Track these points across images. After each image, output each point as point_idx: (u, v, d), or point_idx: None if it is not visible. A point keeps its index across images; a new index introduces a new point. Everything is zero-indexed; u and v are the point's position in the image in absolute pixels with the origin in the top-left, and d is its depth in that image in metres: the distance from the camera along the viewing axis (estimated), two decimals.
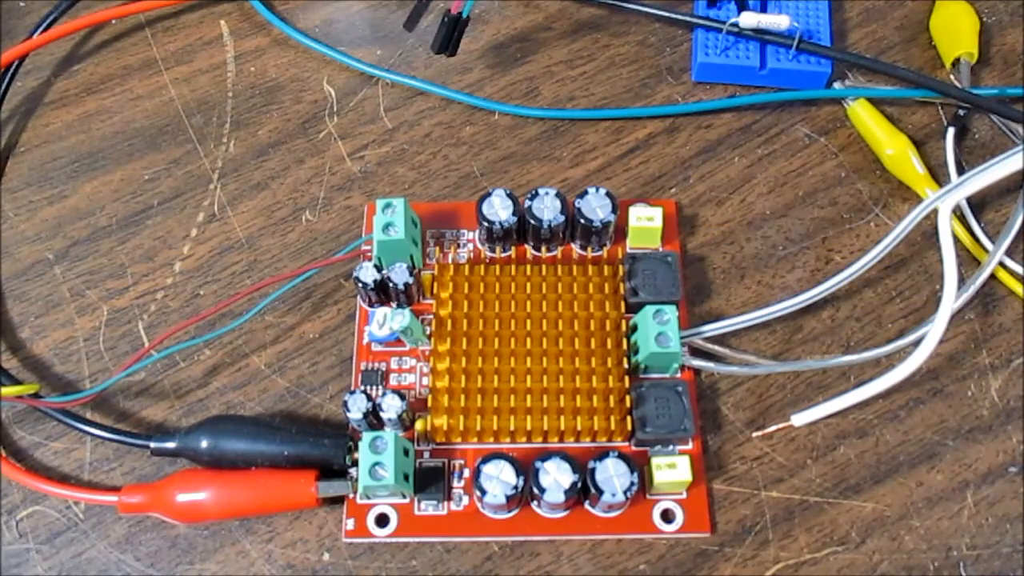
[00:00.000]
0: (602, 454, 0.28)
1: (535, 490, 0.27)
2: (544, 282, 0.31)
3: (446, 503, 0.29)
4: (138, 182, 0.35)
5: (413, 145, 0.36)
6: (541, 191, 0.31)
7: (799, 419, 0.30)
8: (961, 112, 0.35)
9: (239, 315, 0.31)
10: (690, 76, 0.37)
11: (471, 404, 0.29)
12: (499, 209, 0.31)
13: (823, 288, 0.31)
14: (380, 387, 0.31)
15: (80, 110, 0.37)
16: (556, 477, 0.27)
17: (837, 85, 0.36)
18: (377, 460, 0.27)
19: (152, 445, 0.29)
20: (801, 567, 0.28)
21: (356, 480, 0.27)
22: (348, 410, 0.28)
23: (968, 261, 0.33)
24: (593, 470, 0.27)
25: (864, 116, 0.35)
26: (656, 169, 0.35)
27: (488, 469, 0.27)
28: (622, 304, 0.31)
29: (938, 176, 0.34)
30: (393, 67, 0.38)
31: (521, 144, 0.36)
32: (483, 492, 0.27)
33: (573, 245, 0.33)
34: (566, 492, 0.27)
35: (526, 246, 0.33)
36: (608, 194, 0.31)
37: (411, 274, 0.30)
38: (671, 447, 0.29)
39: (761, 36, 0.35)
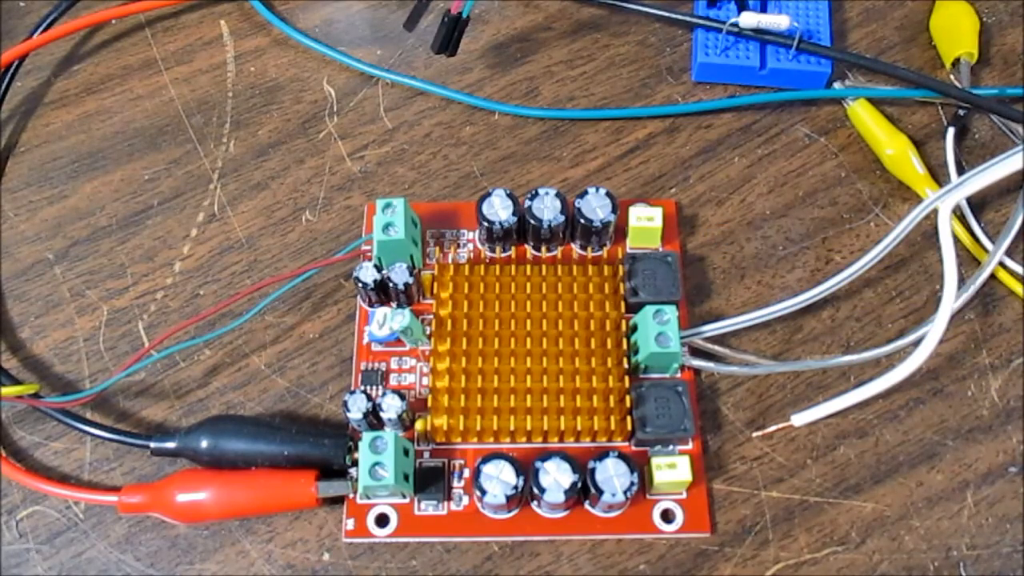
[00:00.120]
0: (602, 454, 0.28)
1: (535, 490, 0.27)
2: (544, 282, 0.31)
3: (446, 503, 0.29)
4: (138, 182, 0.35)
5: (413, 145, 0.36)
6: (541, 191, 0.31)
7: (799, 419, 0.30)
8: (961, 112, 0.35)
9: (239, 315, 0.31)
10: (690, 76, 0.37)
11: (471, 404, 0.29)
12: (499, 209, 0.31)
13: (823, 288, 0.31)
14: (380, 387, 0.31)
15: (80, 110, 0.37)
16: (556, 477, 0.27)
17: (837, 85, 0.36)
18: (377, 460, 0.27)
19: (152, 445, 0.29)
20: (801, 567, 0.28)
21: (356, 480, 0.27)
22: (348, 410, 0.28)
23: (968, 261, 0.33)
24: (593, 470, 0.27)
25: (864, 116, 0.35)
26: (656, 169, 0.35)
27: (488, 469, 0.27)
28: (622, 304, 0.31)
29: (938, 176, 0.34)
30: (393, 67, 0.38)
31: (521, 144, 0.36)
32: (483, 492, 0.27)
33: (573, 245, 0.33)
34: (566, 492, 0.27)
35: (526, 246, 0.33)
36: (608, 194, 0.31)
37: (411, 274, 0.30)
38: (671, 447, 0.29)
39: (761, 36, 0.35)
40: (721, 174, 0.35)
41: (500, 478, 0.27)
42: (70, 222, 0.35)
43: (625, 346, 0.30)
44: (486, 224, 0.31)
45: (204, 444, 0.29)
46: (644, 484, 0.29)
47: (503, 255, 0.33)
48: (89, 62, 0.38)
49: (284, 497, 0.28)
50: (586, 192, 0.31)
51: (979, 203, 0.34)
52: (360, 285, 0.30)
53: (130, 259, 0.34)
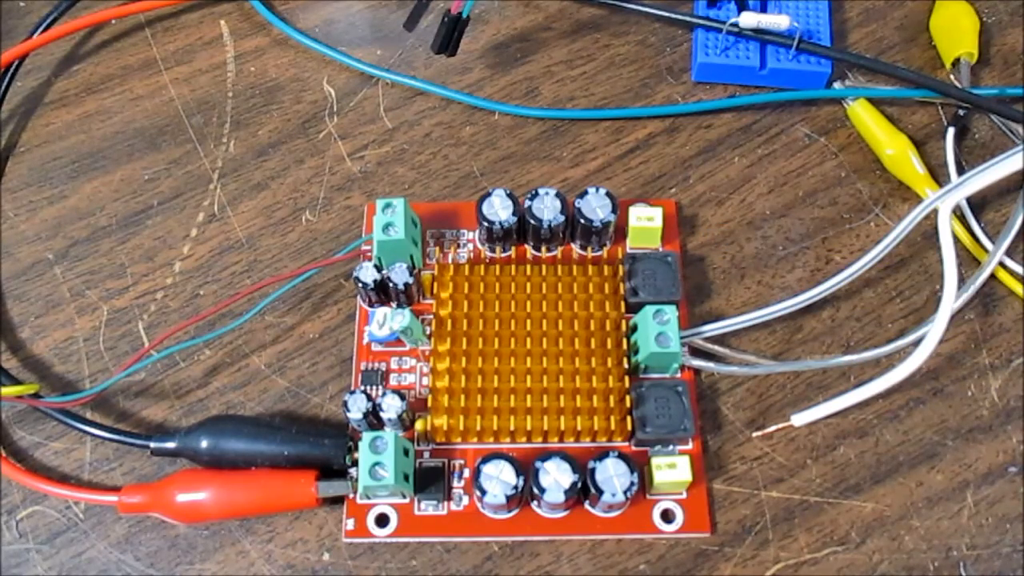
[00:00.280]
0: (602, 454, 0.28)
1: (535, 490, 0.27)
2: (544, 282, 0.31)
3: (446, 503, 0.29)
4: (138, 182, 0.35)
5: (413, 145, 0.36)
6: (541, 191, 0.31)
7: (799, 419, 0.30)
8: (961, 112, 0.35)
9: (239, 315, 0.31)
10: (690, 76, 0.37)
11: (471, 404, 0.29)
12: (499, 209, 0.31)
13: (823, 288, 0.31)
14: (380, 387, 0.31)
15: (80, 110, 0.37)
16: (556, 477, 0.27)
17: (837, 85, 0.36)
18: (377, 460, 0.27)
19: (152, 445, 0.29)
20: (801, 567, 0.28)
21: (356, 480, 0.27)
22: (348, 410, 0.28)
23: (968, 261, 0.33)
24: (593, 470, 0.27)
25: (864, 116, 0.35)
26: (656, 169, 0.35)
27: (488, 469, 0.27)
28: (622, 304, 0.31)
29: (938, 176, 0.34)
30: (393, 67, 0.38)
31: (521, 144, 0.36)
32: (483, 492, 0.27)
33: (573, 245, 0.33)
34: (566, 492, 0.27)
35: (526, 246, 0.33)
36: (608, 194, 0.31)
37: (411, 274, 0.30)
38: (671, 447, 0.29)
39: (761, 36, 0.35)
40: (721, 174, 0.35)
41: (500, 478, 0.27)
42: (70, 222, 0.35)
43: (625, 346, 0.30)
44: (486, 224, 0.31)
45: (204, 444, 0.29)
46: (644, 484, 0.29)
47: (503, 255, 0.33)
48: (89, 62, 0.38)
49: (284, 497, 0.28)
50: (586, 192, 0.31)
51: (979, 203, 0.34)
52: (360, 285, 0.30)
53: (130, 259, 0.34)
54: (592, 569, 0.28)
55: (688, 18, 0.37)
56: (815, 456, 0.30)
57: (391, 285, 0.30)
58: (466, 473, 0.29)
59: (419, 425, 0.29)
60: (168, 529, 0.29)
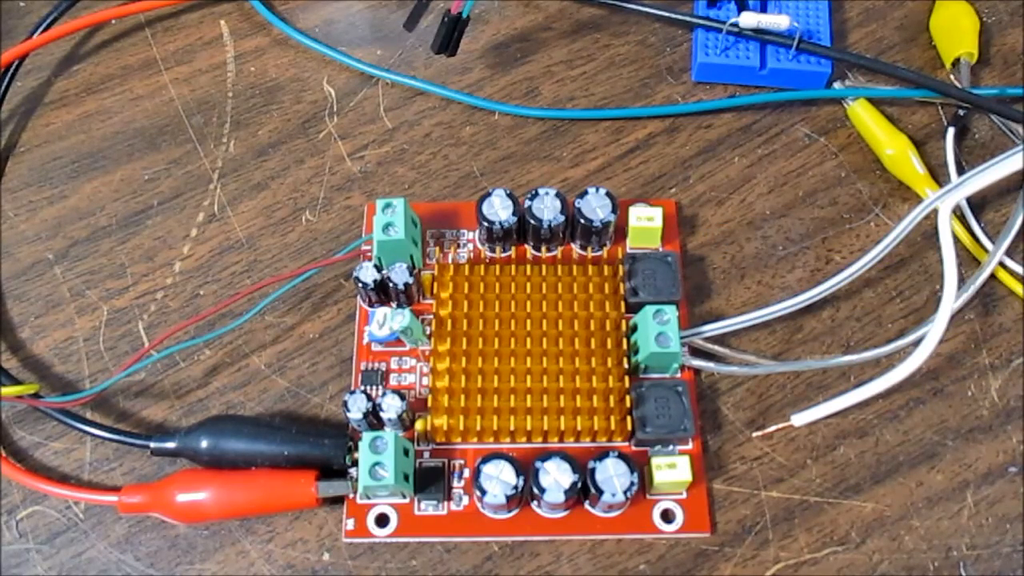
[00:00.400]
0: (602, 454, 0.28)
1: (535, 490, 0.27)
2: (544, 282, 0.31)
3: (446, 503, 0.29)
4: (138, 182, 0.35)
5: (413, 145, 0.36)
6: (541, 191, 0.31)
7: (799, 419, 0.30)
8: (961, 112, 0.35)
9: (239, 315, 0.31)
10: (690, 76, 0.37)
11: (471, 404, 0.29)
12: (499, 209, 0.31)
13: (823, 288, 0.31)
14: (380, 387, 0.31)
15: (80, 110, 0.37)
16: (556, 477, 0.27)
17: (837, 85, 0.36)
18: (377, 460, 0.27)
19: (152, 445, 0.29)
20: (801, 567, 0.28)
21: (356, 480, 0.27)
22: (348, 410, 0.28)
23: (968, 261, 0.33)
24: (593, 470, 0.27)
25: (864, 116, 0.35)
26: (656, 169, 0.35)
27: (488, 469, 0.27)
28: (622, 304, 0.31)
29: (938, 176, 0.34)
30: (393, 67, 0.38)
31: (521, 144, 0.36)
32: (483, 492, 0.27)
33: (573, 245, 0.33)
34: (566, 492, 0.27)
35: (526, 246, 0.33)
36: (608, 194, 0.31)
37: (411, 274, 0.30)
38: (671, 447, 0.29)
39: (761, 36, 0.35)
40: (721, 174, 0.35)
41: (500, 478, 0.27)
42: (70, 222, 0.35)
43: (625, 346, 0.30)
44: (486, 224, 0.31)
45: (204, 444, 0.29)
46: (644, 484, 0.29)
47: (503, 255, 0.33)
48: (89, 62, 0.38)
49: (284, 497, 0.28)
50: (586, 192, 0.31)
51: (979, 203, 0.34)
52: (360, 285, 0.30)
53: (130, 259, 0.34)
54: (592, 569, 0.28)
55: (688, 18, 0.37)
56: (815, 456, 0.30)
57: (391, 285, 0.30)
58: (466, 473, 0.29)
59: (419, 425, 0.29)
60: (168, 529, 0.29)
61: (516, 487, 0.27)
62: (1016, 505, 0.29)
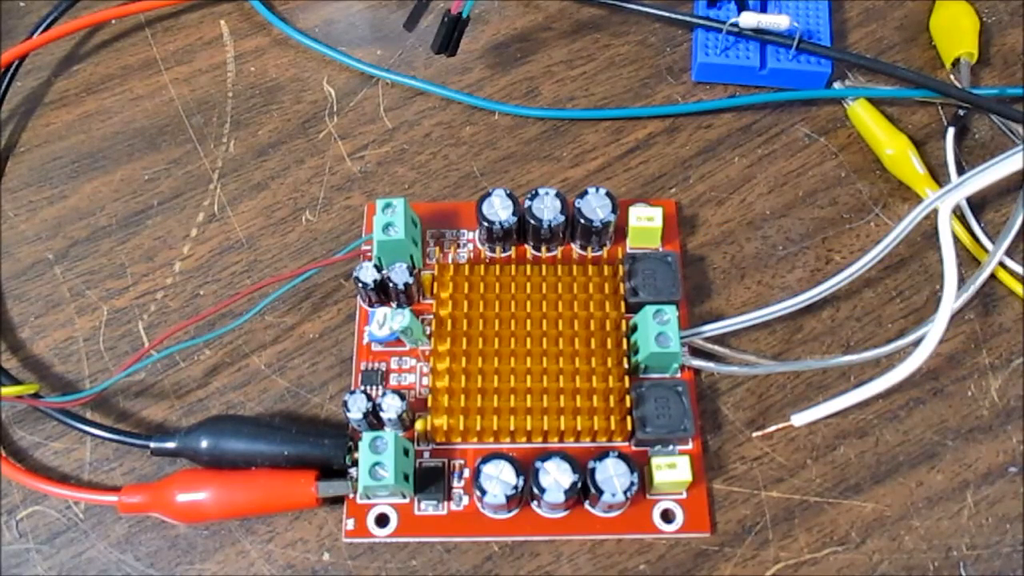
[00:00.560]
0: (602, 454, 0.28)
1: (535, 490, 0.27)
2: (544, 282, 0.31)
3: (446, 503, 0.29)
4: (138, 182, 0.35)
5: (413, 145, 0.36)
6: (541, 191, 0.31)
7: (799, 419, 0.30)
8: (961, 112, 0.35)
9: (239, 315, 0.31)
10: (690, 76, 0.37)
11: (471, 404, 0.29)
12: (499, 209, 0.31)
13: (823, 288, 0.31)
14: (380, 387, 0.31)
15: (80, 110, 0.37)
16: (556, 477, 0.27)
17: (837, 85, 0.36)
18: (377, 460, 0.27)
19: (152, 445, 0.29)
20: (801, 567, 0.28)
21: (356, 480, 0.27)
22: (348, 410, 0.28)
23: (968, 261, 0.33)
24: (593, 470, 0.27)
25: (864, 116, 0.35)
26: (656, 169, 0.35)
27: (488, 469, 0.27)
28: (622, 304, 0.31)
29: (938, 176, 0.34)
30: (393, 67, 0.38)
31: (521, 144, 0.36)
32: (483, 492, 0.27)
33: (573, 245, 0.33)
34: (566, 492, 0.27)
35: (526, 246, 0.33)
36: (608, 194, 0.31)
37: (411, 274, 0.30)
38: (671, 447, 0.29)
39: (761, 36, 0.35)
40: (721, 174, 0.35)
41: (500, 478, 0.27)
42: (70, 222, 0.35)
43: (625, 346, 0.30)
44: (486, 224, 0.31)
45: (204, 444, 0.29)
46: (644, 484, 0.29)
47: (503, 255, 0.33)
48: (89, 62, 0.38)
49: (284, 497, 0.28)
50: (586, 192, 0.31)
51: (979, 203, 0.34)
52: (360, 285, 0.30)
53: (130, 259, 0.34)
54: (592, 569, 0.28)
55: (688, 18, 0.37)
56: (815, 456, 0.30)
57: (391, 285, 0.30)
58: (466, 473, 0.29)
59: (419, 425, 0.29)
60: (168, 529, 0.29)
61: (516, 487, 0.27)
62: (1016, 505, 0.29)
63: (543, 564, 0.28)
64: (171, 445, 0.29)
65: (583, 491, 0.28)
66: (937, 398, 0.31)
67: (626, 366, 0.30)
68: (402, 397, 0.28)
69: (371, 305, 0.32)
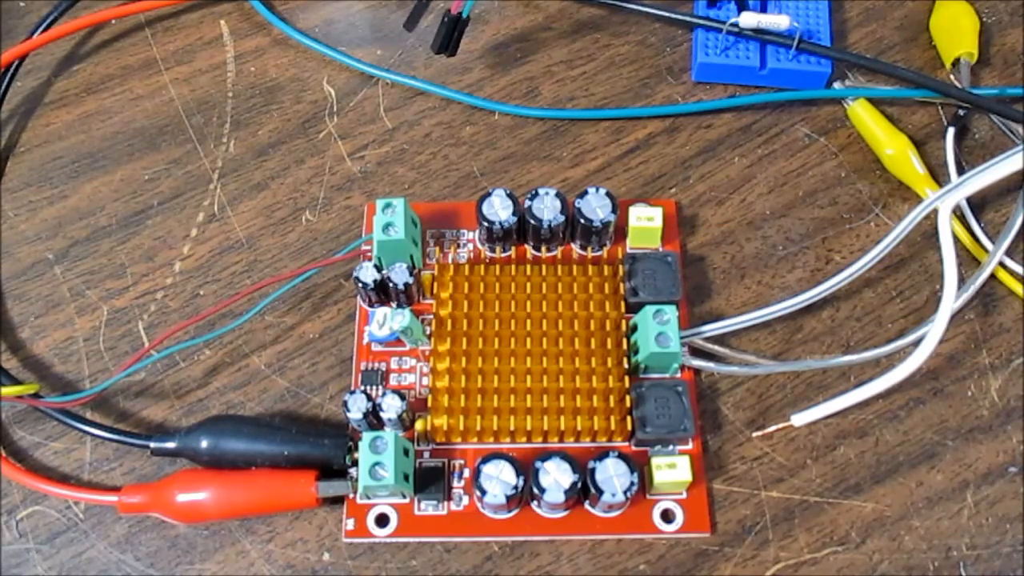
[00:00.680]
0: (602, 454, 0.28)
1: (535, 490, 0.27)
2: (544, 282, 0.31)
3: (446, 503, 0.29)
4: (138, 182, 0.35)
5: (413, 145, 0.36)
6: (541, 191, 0.31)
7: (799, 419, 0.30)
8: (961, 112, 0.35)
9: (239, 315, 0.31)
10: (690, 76, 0.37)
11: (471, 404, 0.29)
12: (499, 209, 0.31)
13: (823, 288, 0.31)
14: (380, 387, 0.31)
15: (80, 110, 0.37)
16: (556, 477, 0.27)
17: (837, 85, 0.36)
18: (377, 460, 0.27)
19: (152, 445, 0.29)
20: (801, 567, 0.28)
21: (356, 480, 0.27)
22: (348, 410, 0.28)
23: (968, 261, 0.33)
24: (593, 470, 0.27)
25: (864, 116, 0.35)
26: (656, 169, 0.35)
27: (488, 469, 0.27)
28: (622, 304, 0.31)
29: (938, 176, 0.34)
30: (393, 67, 0.38)
31: (521, 144, 0.36)
32: (483, 492, 0.27)
33: (573, 245, 0.33)
34: (566, 492, 0.27)
35: (526, 246, 0.33)
36: (608, 194, 0.31)
37: (411, 274, 0.30)
38: (671, 447, 0.29)
39: (761, 36, 0.35)
40: (721, 174, 0.35)
41: (500, 478, 0.27)
42: (70, 222, 0.35)
43: (625, 346, 0.30)
44: (486, 224, 0.31)
45: (204, 444, 0.29)
46: (644, 484, 0.29)
47: (503, 255, 0.33)
48: (89, 62, 0.38)
49: (284, 497, 0.28)
50: (586, 192, 0.31)
51: (979, 203, 0.34)
52: (360, 285, 0.30)
53: (130, 259, 0.34)
54: (592, 569, 0.28)
55: (688, 18, 0.37)
56: (815, 456, 0.30)
57: (391, 285, 0.30)
58: (466, 473, 0.29)
59: (419, 425, 0.29)
60: (168, 529, 0.29)
61: (516, 487, 0.27)
62: (1016, 505, 0.29)
63: (543, 564, 0.28)
64: (171, 445, 0.29)
65: (583, 491, 0.28)
66: (937, 398, 0.31)
67: (626, 366, 0.30)
68: (402, 397, 0.28)
69: (371, 305, 0.32)
